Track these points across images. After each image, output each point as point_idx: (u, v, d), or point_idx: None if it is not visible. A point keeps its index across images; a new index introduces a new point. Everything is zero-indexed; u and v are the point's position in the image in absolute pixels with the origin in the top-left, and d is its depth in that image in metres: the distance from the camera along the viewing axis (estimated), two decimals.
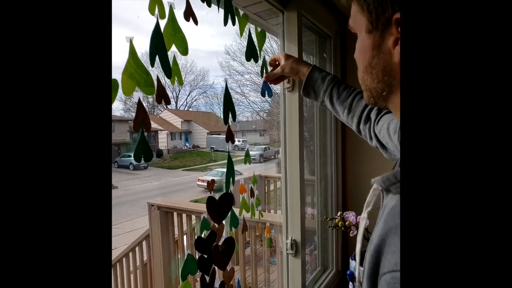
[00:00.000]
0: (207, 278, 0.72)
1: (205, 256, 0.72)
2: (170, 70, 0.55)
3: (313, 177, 1.43)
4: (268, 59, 0.93)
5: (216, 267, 0.75)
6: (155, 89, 0.53)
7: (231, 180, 0.80)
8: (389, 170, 0.44)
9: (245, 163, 0.90)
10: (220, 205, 0.77)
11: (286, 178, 1.06)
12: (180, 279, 0.67)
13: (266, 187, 3.45)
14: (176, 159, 11.91)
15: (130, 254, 2.73)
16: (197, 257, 0.70)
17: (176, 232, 2.40)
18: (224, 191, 0.78)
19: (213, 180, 0.77)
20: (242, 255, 2.15)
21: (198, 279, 0.73)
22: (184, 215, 2.30)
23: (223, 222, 0.78)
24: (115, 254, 2.88)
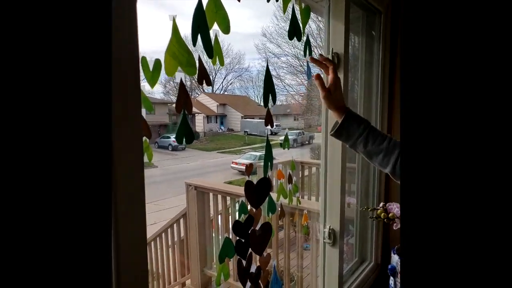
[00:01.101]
0: (244, 262, 0.72)
1: (243, 240, 0.72)
2: (212, 49, 0.53)
3: (353, 164, 1.36)
4: (311, 39, 0.87)
5: (252, 251, 0.74)
6: (197, 69, 0.51)
7: (269, 164, 0.78)
8: None
9: (284, 148, 0.87)
10: (258, 190, 0.75)
11: (326, 163, 1.01)
12: (218, 262, 0.68)
13: (301, 172, 3.41)
14: (211, 142, 12.24)
15: (169, 230, 2.88)
16: (234, 240, 0.70)
17: (211, 212, 2.47)
18: (262, 175, 0.77)
19: (251, 164, 0.75)
20: (275, 238, 2.16)
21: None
22: (219, 196, 2.35)
23: (260, 207, 0.77)
24: (155, 229, 3.06)
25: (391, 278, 1.17)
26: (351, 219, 1.39)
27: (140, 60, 0.42)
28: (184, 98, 0.50)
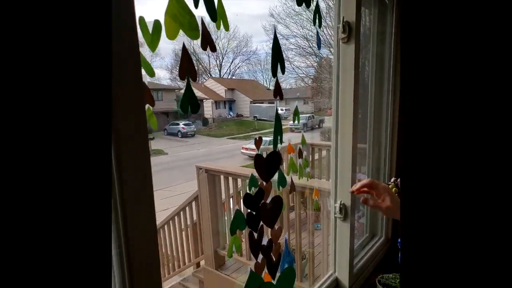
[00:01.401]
0: (255, 235, 0.72)
1: (253, 212, 0.71)
2: (215, 11, 0.50)
3: (364, 145, 1.34)
4: (322, 7, 0.83)
5: (264, 224, 0.74)
6: (200, 33, 0.49)
7: (278, 138, 0.77)
8: None
9: (294, 121, 0.85)
10: (267, 163, 0.74)
11: (337, 138, 0.99)
12: (229, 234, 0.68)
13: (311, 155, 3.38)
14: (220, 128, 12.25)
15: (181, 213, 2.93)
16: (245, 214, 0.70)
17: (223, 195, 2.49)
18: (272, 149, 0.75)
19: (260, 138, 0.74)
20: (286, 218, 2.17)
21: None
22: (230, 178, 2.36)
23: (271, 181, 0.76)
24: (166, 214, 3.12)
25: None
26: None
27: (138, 20, 0.40)
28: (187, 64, 0.49)
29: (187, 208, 2.86)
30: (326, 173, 3.09)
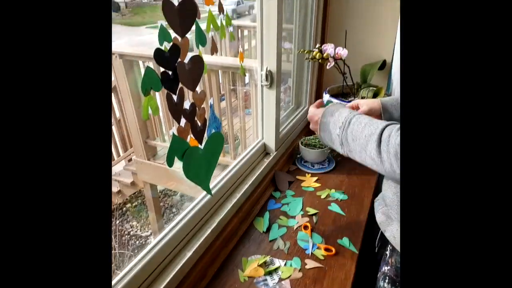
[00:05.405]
0: (175, 98, 0.66)
1: (169, 72, 0.63)
2: None
3: (290, 25, 1.26)
4: None
5: (184, 86, 0.67)
6: None
7: None
8: None
9: None
10: (181, 12, 0.62)
11: (262, 21, 0.91)
12: (142, 94, 0.60)
13: (239, 38, 3.18)
14: (137, 14, 10.46)
15: None
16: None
17: None
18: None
19: None
20: (217, 101, 2.15)
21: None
22: (151, 64, 2.13)
23: (187, 37, 0.65)
24: None
25: None
26: (288, 73, 1.37)
27: None
28: None
29: None
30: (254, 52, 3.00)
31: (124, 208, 3.82)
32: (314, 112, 0.76)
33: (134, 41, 8.71)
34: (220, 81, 2.23)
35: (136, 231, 3.57)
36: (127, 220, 3.71)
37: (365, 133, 0.61)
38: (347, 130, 0.65)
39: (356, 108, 0.80)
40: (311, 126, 0.78)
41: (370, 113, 0.77)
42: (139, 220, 3.71)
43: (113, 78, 2.32)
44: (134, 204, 3.88)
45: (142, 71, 2.20)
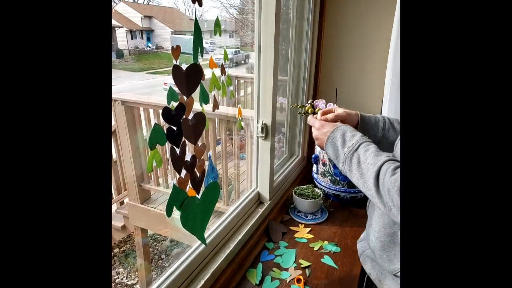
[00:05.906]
0: (178, 151, 0.70)
1: (174, 128, 0.68)
2: None
3: (285, 77, 1.38)
4: None
5: (186, 140, 0.72)
6: None
7: (199, 50, 0.71)
8: None
9: (215, 34, 0.80)
10: (188, 76, 0.69)
11: (260, 74, 1.00)
12: (149, 149, 0.64)
13: (237, 88, 3.36)
14: (138, 61, 11.01)
15: None
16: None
17: (145, 131, 2.35)
18: (193, 62, 0.70)
19: (178, 47, 0.67)
20: (213, 149, 2.20)
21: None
22: (151, 110, 2.22)
23: (192, 97, 0.72)
24: None
25: (314, 165, 1.32)
26: (282, 122, 1.46)
27: None
28: None
29: None
30: (250, 105, 3.15)
31: (112, 253, 3.64)
32: (323, 124, 0.84)
33: (135, 85, 9.06)
34: (216, 126, 2.32)
35: (122, 279, 3.37)
36: (113, 266, 3.53)
37: (369, 161, 0.67)
38: (353, 153, 0.71)
39: (330, 112, 0.89)
40: (314, 134, 0.85)
41: (348, 118, 0.86)
42: (126, 266, 3.53)
43: (113, 123, 2.39)
44: (122, 249, 3.72)
45: (142, 116, 2.28)
